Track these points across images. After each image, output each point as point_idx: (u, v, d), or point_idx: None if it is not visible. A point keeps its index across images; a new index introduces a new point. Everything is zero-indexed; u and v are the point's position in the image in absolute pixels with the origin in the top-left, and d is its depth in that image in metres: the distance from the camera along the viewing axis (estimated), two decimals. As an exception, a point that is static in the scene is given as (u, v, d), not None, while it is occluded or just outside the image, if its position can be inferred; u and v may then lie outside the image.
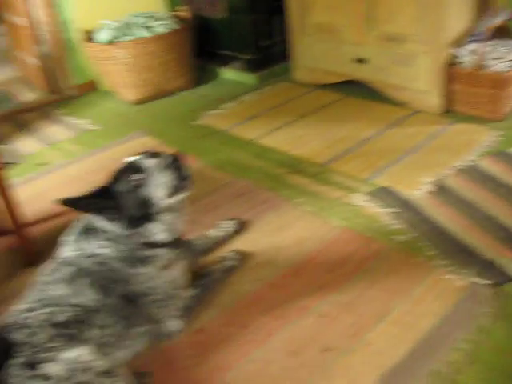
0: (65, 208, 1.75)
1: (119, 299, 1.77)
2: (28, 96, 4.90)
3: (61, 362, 1.52)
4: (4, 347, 1.57)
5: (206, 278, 2.16)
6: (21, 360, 1.51)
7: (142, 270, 1.81)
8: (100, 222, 1.82)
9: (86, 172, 3.26)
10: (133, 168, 1.81)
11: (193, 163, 3.20)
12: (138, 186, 1.78)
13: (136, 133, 3.72)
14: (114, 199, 1.79)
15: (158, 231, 1.85)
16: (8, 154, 2.46)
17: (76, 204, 1.79)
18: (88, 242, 1.81)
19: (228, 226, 2.48)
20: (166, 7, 4.89)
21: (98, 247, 1.79)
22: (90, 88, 4.72)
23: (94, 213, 1.82)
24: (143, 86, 4.21)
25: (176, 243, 1.92)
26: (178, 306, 1.95)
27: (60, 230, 2.57)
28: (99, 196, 1.80)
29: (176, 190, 1.82)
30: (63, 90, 4.68)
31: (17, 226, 2.47)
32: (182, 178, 1.83)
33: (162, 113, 4.06)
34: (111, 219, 1.80)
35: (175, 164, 1.82)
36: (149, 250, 1.83)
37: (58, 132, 4.00)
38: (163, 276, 1.86)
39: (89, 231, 1.83)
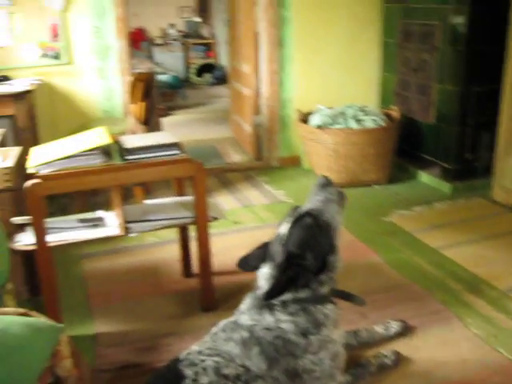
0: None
1: (283, 374, 1.87)
2: (236, 157, 5.39)
3: None
4: (176, 377, 1.79)
5: (360, 368, 2.23)
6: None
7: (314, 338, 1.91)
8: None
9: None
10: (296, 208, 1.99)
11: (372, 256, 3.31)
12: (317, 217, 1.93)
13: (324, 214, 3.92)
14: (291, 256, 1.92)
15: (327, 279, 1.96)
16: (215, 209, 2.76)
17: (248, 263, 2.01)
18: (261, 314, 1.94)
19: (393, 326, 2.54)
20: (379, 104, 5.15)
21: (277, 321, 1.91)
22: (293, 163, 5.07)
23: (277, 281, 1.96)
24: (341, 172, 4.44)
25: (336, 295, 2.02)
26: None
27: (240, 287, 2.84)
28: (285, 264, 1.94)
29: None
30: (268, 159, 5.09)
31: (203, 272, 2.75)
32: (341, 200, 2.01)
33: (354, 201, 4.23)
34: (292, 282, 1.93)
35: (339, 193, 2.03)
36: (322, 307, 1.94)
37: (255, 196, 4.36)
38: (333, 341, 1.95)
39: (265, 304, 1.95)
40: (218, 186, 4.56)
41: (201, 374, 1.80)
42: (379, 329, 2.52)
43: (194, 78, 10.32)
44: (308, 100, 4.92)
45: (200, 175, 2.53)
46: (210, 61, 10.65)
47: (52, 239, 2.46)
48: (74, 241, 2.52)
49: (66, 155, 2.38)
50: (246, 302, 2.05)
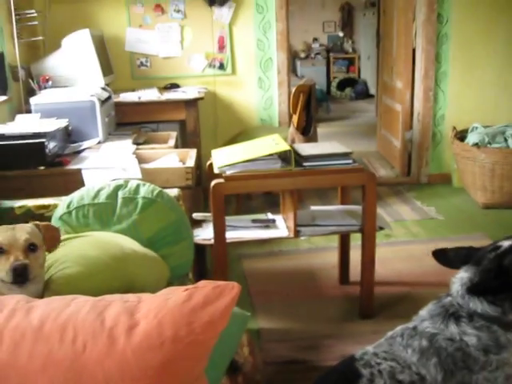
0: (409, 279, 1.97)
1: None
2: (382, 172, 5.42)
3: None
4: (353, 374, 1.87)
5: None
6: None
7: (493, 356, 1.91)
8: (471, 303, 1.96)
9: (428, 254, 3.49)
10: None
11: None
12: None
13: (479, 234, 3.85)
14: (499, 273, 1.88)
15: None
16: (381, 219, 2.82)
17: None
18: (446, 324, 1.96)
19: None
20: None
21: (461, 333, 1.89)
22: (443, 180, 5.01)
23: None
24: (496, 193, 4.33)
25: None
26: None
27: (396, 298, 2.88)
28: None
29: None
30: (417, 175, 5.07)
31: (366, 280, 2.82)
32: None
33: (508, 222, 4.11)
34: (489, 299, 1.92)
35: None
36: (505, 332, 1.92)
37: (405, 211, 4.37)
38: (510, 364, 1.93)
39: (452, 313, 1.97)
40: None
41: (376, 376, 1.86)
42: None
43: (336, 92, 10.43)
44: (462, 118, 4.85)
45: (371, 185, 2.61)
46: (352, 75, 10.72)
47: (229, 236, 2.65)
48: (249, 239, 2.69)
49: (248, 158, 2.56)
50: (429, 309, 2.05)
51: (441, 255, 2.08)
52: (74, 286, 1.59)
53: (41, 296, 1.57)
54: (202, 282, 1.12)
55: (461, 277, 1.98)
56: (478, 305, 1.93)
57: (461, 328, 1.92)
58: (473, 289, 1.90)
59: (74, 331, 1.02)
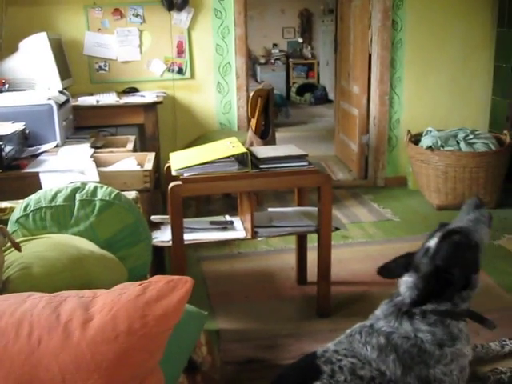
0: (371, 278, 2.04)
1: (416, 381, 1.95)
2: (340, 175, 5.52)
3: None
4: (314, 371, 1.93)
5: (479, 382, 2.28)
6: (320, 384, 1.86)
7: (448, 350, 1.98)
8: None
9: (384, 255, 3.58)
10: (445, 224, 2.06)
11: (485, 278, 3.32)
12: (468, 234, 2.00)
13: (432, 234, 3.95)
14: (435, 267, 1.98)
15: (467, 297, 2.01)
16: (337, 220, 2.89)
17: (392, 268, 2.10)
18: (400, 322, 2.02)
19: (509, 344, 2.57)
20: (488, 128, 5.13)
21: (415, 331, 1.97)
22: (398, 183, 5.13)
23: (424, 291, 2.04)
24: (449, 194, 4.46)
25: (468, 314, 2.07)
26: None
27: (352, 297, 2.95)
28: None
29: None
30: (374, 178, 5.18)
31: (322, 280, 2.88)
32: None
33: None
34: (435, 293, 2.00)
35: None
36: (457, 322, 2.00)
37: (361, 213, 4.47)
38: (464, 355, 2.01)
39: (405, 312, 2.02)
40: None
41: (337, 372, 1.91)
42: (494, 346, 2.56)
43: (295, 97, 10.55)
44: (417, 122, 4.99)
45: (327, 186, 2.68)
46: (311, 81, 10.86)
47: (187, 237, 2.68)
48: (207, 241, 2.73)
49: (206, 160, 2.59)
50: (383, 309, 2.12)
51: (384, 271, 2.17)
52: (33, 285, 1.60)
53: (-3, 297, 1.58)
54: (156, 277, 1.15)
55: (406, 280, 2.07)
56: (428, 305, 2.01)
57: (414, 325, 1.99)
58: (420, 301, 1.98)
59: (30, 326, 1.04)
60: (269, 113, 4.13)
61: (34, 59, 3.88)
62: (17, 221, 2.22)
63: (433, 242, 2.04)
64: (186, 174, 2.58)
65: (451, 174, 4.41)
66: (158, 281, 1.13)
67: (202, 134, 4.73)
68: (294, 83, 10.81)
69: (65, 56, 4.38)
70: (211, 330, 2.82)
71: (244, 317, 2.98)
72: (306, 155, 2.74)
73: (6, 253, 1.85)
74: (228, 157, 2.62)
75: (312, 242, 3.22)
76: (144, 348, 1.06)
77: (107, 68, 4.72)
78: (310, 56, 11.26)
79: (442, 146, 4.47)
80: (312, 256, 3.18)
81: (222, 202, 4.66)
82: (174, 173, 2.64)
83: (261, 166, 2.66)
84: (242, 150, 2.65)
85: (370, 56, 5.11)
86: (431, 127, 4.74)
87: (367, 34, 5.10)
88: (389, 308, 2.09)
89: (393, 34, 4.93)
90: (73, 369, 0.99)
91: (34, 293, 1.19)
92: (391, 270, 2.16)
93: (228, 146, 2.75)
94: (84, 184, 2.32)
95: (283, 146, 2.95)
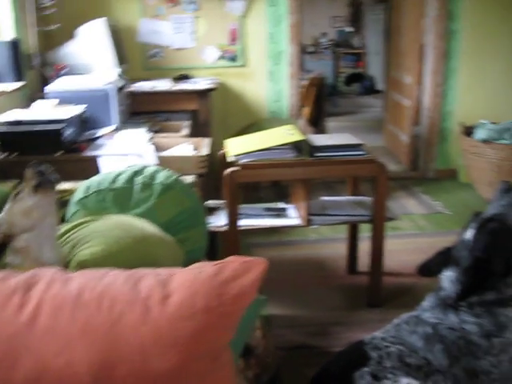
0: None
1: (462, 372, 1.94)
2: (389, 166, 5.45)
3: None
4: (362, 357, 1.94)
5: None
6: (368, 370, 1.88)
7: (496, 340, 1.97)
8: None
9: (434, 247, 3.55)
10: (478, 214, 2.02)
11: None
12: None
13: (485, 228, 3.90)
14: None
15: (511, 282, 1.98)
16: (391, 210, 2.88)
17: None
18: (445, 314, 2.02)
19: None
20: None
21: (460, 322, 1.96)
22: (449, 175, 5.07)
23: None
24: (503, 188, 4.38)
25: None
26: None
27: (402, 288, 2.94)
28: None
29: None
30: (424, 170, 5.12)
31: (374, 269, 2.88)
32: None
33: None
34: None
35: None
36: (505, 309, 1.98)
37: (412, 205, 4.43)
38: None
39: (450, 304, 2.01)
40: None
41: (385, 358, 1.93)
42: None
43: (343, 87, 10.47)
44: (470, 114, 4.90)
45: (382, 176, 2.67)
46: (359, 71, 10.76)
47: (242, 223, 2.71)
48: (262, 227, 2.75)
49: (263, 147, 2.61)
50: (429, 300, 2.12)
51: (424, 269, 2.16)
52: (98, 263, 1.65)
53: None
54: (231, 258, 1.18)
55: (448, 275, 2.06)
56: (473, 296, 1.99)
57: (460, 317, 1.98)
58: (464, 295, 1.97)
59: (111, 300, 1.08)
60: (321, 102, 4.13)
61: (92, 44, 3.95)
62: (78, 202, 2.29)
63: (469, 234, 2.02)
64: (243, 160, 2.61)
65: (505, 167, 4.33)
66: (234, 261, 1.16)
67: (252, 122, 4.75)
68: (341, 73, 10.72)
69: (121, 42, 4.45)
70: (262, 315, 2.85)
71: (294, 304, 3.00)
72: (362, 144, 2.73)
73: (73, 231, 1.91)
74: (285, 144, 2.64)
75: (362, 232, 3.22)
76: (220, 326, 1.09)
77: (161, 55, 4.78)
78: (358, 45, 11.15)
79: (497, 139, 4.39)
80: (362, 246, 3.18)
81: (269, 189, 4.68)
82: (231, 159, 2.67)
83: (317, 154, 2.67)
84: (300, 137, 2.66)
85: (423, 46, 5.04)
86: (485, 119, 4.65)
87: (421, 24, 5.02)
88: (435, 301, 2.09)
89: (447, 24, 4.84)
90: (152, 343, 1.03)
91: (111, 269, 1.23)
92: (431, 268, 2.14)
93: (285, 134, 2.76)
94: (143, 167, 2.37)
95: (338, 135, 2.95)
